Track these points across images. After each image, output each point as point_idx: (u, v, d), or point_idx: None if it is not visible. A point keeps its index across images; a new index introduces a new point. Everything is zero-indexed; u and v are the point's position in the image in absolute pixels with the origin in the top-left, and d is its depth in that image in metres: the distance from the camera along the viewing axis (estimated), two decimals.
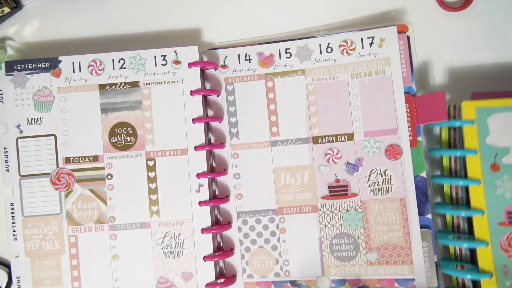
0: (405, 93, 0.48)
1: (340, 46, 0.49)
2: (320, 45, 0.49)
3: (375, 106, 0.49)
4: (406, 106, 0.48)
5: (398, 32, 0.49)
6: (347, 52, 0.49)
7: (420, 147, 0.48)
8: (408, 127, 0.48)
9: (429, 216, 0.48)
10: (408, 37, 0.49)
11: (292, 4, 0.52)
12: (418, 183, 0.48)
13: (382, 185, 0.49)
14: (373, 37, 0.49)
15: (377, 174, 0.49)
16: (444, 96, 0.48)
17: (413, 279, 0.47)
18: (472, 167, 0.46)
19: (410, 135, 0.48)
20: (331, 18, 0.51)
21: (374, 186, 0.49)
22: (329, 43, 0.49)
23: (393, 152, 0.48)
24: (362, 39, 0.49)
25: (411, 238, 0.47)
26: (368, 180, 0.49)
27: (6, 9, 0.51)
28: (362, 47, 0.49)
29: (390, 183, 0.48)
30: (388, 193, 0.48)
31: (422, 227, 0.48)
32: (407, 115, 0.48)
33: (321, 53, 0.49)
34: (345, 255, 0.48)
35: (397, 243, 0.48)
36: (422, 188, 0.48)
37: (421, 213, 0.48)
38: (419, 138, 0.48)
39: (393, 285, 0.48)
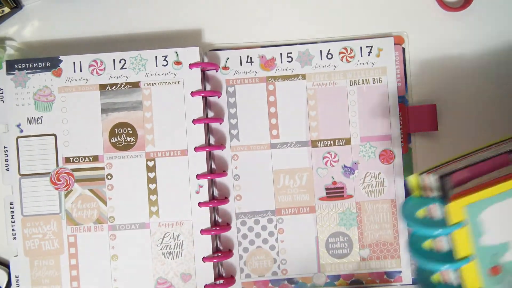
0: (398, 102, 0.50)
1: (340, 53, 0.51)
2: (321, 51, 0.51)
3: (371, 112, 0.50)
4: (400, 114, 0.50)
5: (395, 44, 0.51)
6: (346, 59, 0.51)
7: (410, 153, 0.51)
8: (401, 134, 0.50)
9: None
10: (403, 49, 0.51)
11: (294, 10, 0.52)
12: (407, 186, 0.50)
13: (376, 187, 0.50)
14: (371, 46, 0.50)
15: (371, 177, 0.50)
16: (435, 108, 0.50)
17: (400, 271, 0.50)
18: (470, 279, 0.39)
19: (402, 142, 0.50)
20: (332, 24, 0.52)
21: (368, 188, 0.50)
22: (329, 50, 0.51)
23: (386, 157, 0.50)
24: (361, 47, 0.50)
25: (399, 236, 0.50)
26: (363, 182, 0.50)
27: (6, 9, 0.50)
28: (361, 55, 0.50)
29: (383, 186, 0.50)
30: (380, 194, 0.50)
31: None
32: (400, 123, 0.50)
33: (321, 59, 0.51)
34: (340, 253, 0.50)
35: (387, 240, 0.50)
36: (409, 191, 0.50)
37: None
38: (410, 145, 0.51)
39: (382, 278, 0.50)
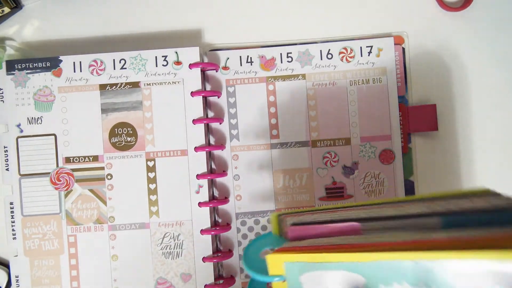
0: (398, 102, 0.50)
1: (340, 53, 0.51)
2: (321, 51, 0.51)
3: (371, 113, 0.50)
4: (400, 114, 0.50)
5: (395, 44, 0.51)
6: (346, 59, 0.50)
7: (410, 153, 0.51)
8: (401, 134, 0.50)
9: None
10: (403, 49, 0.51)
11: (294, 10, 0.52)
12: (407, 186, 0.51)
13: (376, 187, 0.50)
14: (371, 46, 0.50)
15: (371, 177, 0.50)
16: (435, 108, 0.50)
17: None
18: None
19: (402, 142, 0.50)
20: (332, 24, 0.52)
21: (368, 188, 0.50)
22: (329, 50, 0.51)
23: (386, 157, 0.50)
24: (361, 47, 0.50)
25: None
26: (363, 182, 0.50)
27: (6, 9, 0.50)
28: (361, 55, 0.50)
29: (382, 186, 0.50)
30: (380, 194, 0.50)
31: None
32: (400, 123, 0.50)
33: (321, 59, 0.51)
34: None
35: None
36: (410, 191, 0.51)
37: None
38: (410, 145, 0.51)
39: None
